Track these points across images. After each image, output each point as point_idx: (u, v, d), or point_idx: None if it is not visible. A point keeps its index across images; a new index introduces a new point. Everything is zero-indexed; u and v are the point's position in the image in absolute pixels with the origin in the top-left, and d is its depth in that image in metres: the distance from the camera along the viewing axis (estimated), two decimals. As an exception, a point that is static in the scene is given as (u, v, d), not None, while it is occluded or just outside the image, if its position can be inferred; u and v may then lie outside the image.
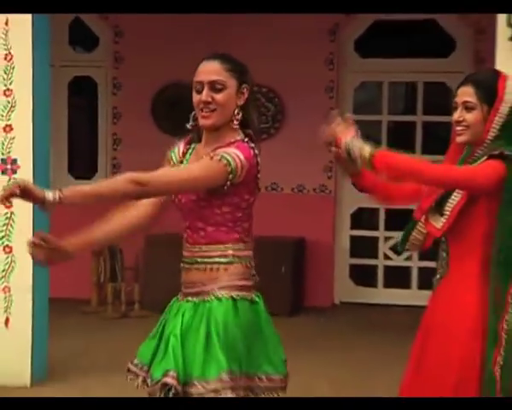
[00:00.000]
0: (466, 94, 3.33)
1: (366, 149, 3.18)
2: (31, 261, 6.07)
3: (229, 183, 3.14)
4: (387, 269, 9.57)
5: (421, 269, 9.13)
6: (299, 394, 6.00)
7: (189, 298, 3.26)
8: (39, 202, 2.98)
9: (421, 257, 8.93)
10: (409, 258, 9.37)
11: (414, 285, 9.34)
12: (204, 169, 3.16)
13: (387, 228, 9.46)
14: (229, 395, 3.10)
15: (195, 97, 3.28)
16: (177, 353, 3.15)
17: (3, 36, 6.04)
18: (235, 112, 3.27)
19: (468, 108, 3.31)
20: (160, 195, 3.24)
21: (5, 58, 6.05)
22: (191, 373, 3.13)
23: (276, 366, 3.27)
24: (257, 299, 3.28)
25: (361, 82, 9.54)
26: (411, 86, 9.92)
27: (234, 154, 3.16)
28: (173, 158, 3.42)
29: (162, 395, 3.15)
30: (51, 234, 6.50)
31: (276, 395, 3.29)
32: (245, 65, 3.36)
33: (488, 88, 3.32)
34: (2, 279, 6.11)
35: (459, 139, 3.36)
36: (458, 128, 3.35)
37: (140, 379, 3.32)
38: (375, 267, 9.60)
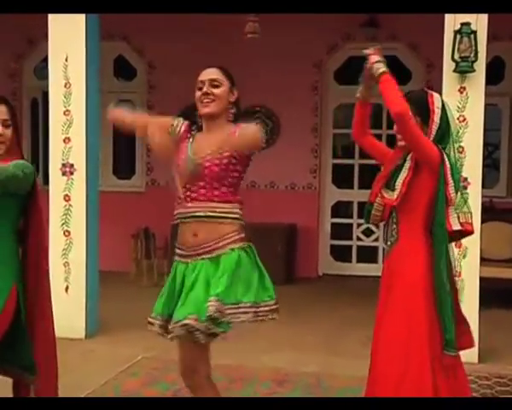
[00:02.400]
0: None
1: (382, 69, 3.31)
2: (85, 243, 6.14)
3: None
4: (359, 248, 9.53)
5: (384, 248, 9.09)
6: (293, 341, 6.06)
7: (204, 256, 3.13)
8: None
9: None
10: (376, 240, 9.35)
11: (379, 260, 9.30)
12: None
13: (359, 217, 9.39)
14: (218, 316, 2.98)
15: (197, 94, 3.24)
16: (197, 300, 3.05)
17: (64, 69, 6.03)
18: (229, 106, 3.24)
19: None
20: None
21: (65, 86, 6.04)
22: (203, 314, 3.01)
23: (249, 295, 3.07)
24: (248, 249, 3.16)
25: (339, 104, 9.50)
26: (378, 107, 9.88)
27: None
28: (171, 132, 3.31)
29: (182, 333, 3.05)
30: (101, 222, 6.50)
31: (245, 319, 3.08)
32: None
33: (420, 104, 3.30)
34: (63, 256, 6.10)
35: (400, 144, 3.37)
36: (399, 136, 3.36)
37: (157, 326, 3.26)
38: (349, 247, 9.55)
